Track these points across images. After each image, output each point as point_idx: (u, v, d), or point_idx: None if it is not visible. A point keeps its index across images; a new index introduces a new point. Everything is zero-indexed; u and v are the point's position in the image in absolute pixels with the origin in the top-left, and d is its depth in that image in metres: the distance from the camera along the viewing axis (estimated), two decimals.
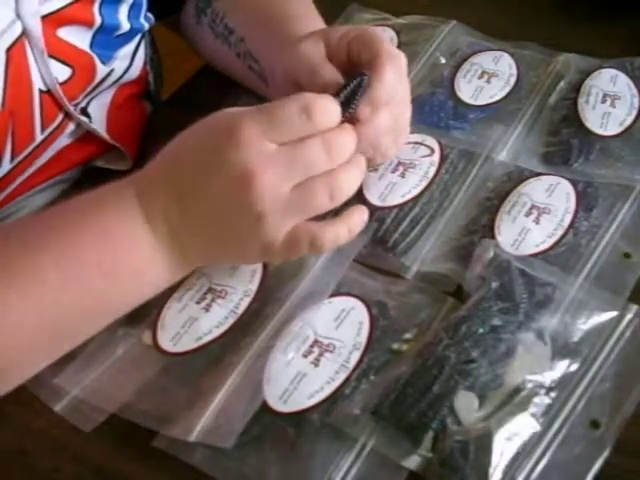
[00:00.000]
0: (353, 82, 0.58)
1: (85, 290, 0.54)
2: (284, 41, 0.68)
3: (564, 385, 0.53)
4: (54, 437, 0.57)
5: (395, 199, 0.66)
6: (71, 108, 0.69)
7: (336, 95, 0.57)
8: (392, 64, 0.61)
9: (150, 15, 0.76)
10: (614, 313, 0.56)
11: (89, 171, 0.78)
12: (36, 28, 0.62)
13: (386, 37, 0.63)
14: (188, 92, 0.85)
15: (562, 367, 0.54)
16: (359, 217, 0.57)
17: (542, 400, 0.52)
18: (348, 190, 0.55)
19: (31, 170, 0.71)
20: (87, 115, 0.72)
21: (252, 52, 0.73)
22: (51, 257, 0.53)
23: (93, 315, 0.56)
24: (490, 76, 0.77)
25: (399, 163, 0.68)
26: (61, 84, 0.67)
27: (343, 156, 0.54)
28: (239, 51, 0.75)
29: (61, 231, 0.55)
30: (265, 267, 0.62)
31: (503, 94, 0.75)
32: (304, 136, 0.53)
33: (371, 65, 0.60)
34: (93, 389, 0.58)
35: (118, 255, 0.55)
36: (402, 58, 0.62)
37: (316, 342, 0.57)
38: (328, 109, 0.54)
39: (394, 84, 0.61)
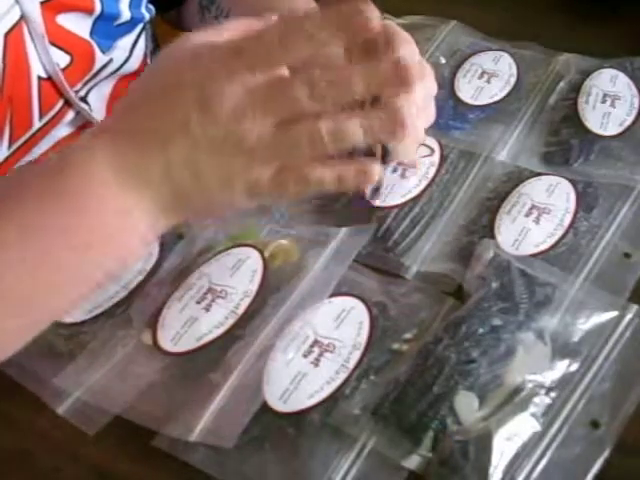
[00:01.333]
0: None
1: (52, 259, 0.49)
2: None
3: (564, 385, 0.53)
4: (55, 437, 0.57)
5: (395, 199, 0.66)
6: (72, 94, 0.68)
7: None
8: (404, 41, 0.57)
9: (151, 6, 0.76)
10: (614, 313, 0.56)
11: None
12: (35, 13, 0.62)
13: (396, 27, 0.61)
14: None
15: (562, 367, 0.54)
16: (355, 171, 0.50)
17: (542, 400, 0.52)
18: (336, 140, 0.48)
19: (29, 159, 0.70)
20: (87, 104, 0.72)
21: None
22: (13, 224, 0.48)
23: (65, 287, 0.51)
24: (490, 76, 0.77)
25: (399, 163, 0.68)
26: (61, 70, 0.67)
27: (330, 98, 0.47)
28: None
29: (23, 197, 0.49)
30: (265, 267, 0.62)
31: (503, 94, 0.75)
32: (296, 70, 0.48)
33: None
34: (95, 391, 0.58)
35: (86, 220, 0.49)
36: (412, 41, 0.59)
37: (316, 342, 0.57)
38: (303, 36, 0.46)
39: (411, 55, 0.57)
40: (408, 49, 0.57)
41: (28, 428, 0.58)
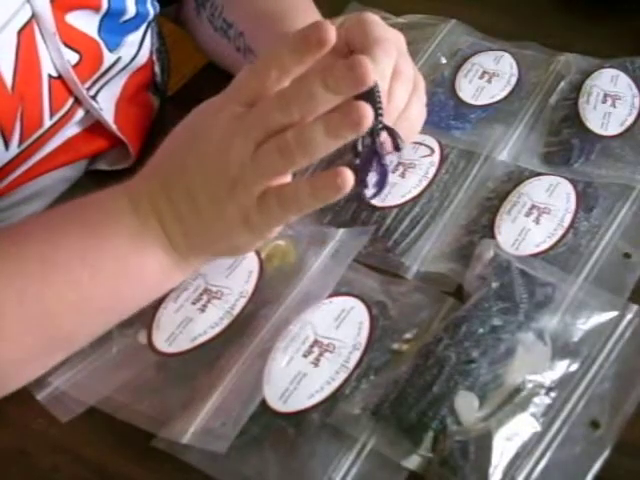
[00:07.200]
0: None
1: (68, 284, 0.54)
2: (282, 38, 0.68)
3: (564, 385, 0.53)
4: (54, 437, 0.57)
5: (395, 199, 0.66)
6: (83, 91, 0.69)
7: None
8: (382, 48, 0.61)
9: (156, 3, 0.76)
10: (614, 313, 0.56)
11: (92, 173, 0.78)
12: (46, 11, 0.63)
13: (379, 21, 0.64)
14: (192, 90, 0.85)
15: (562, 367, 0.54)
16: (324, 181, 0.50)
17: (542, 400, 0.52)
18: (303, 145, 0.49)
19: (38, 156, 0.71)
20: (97, 103, 0.72)
21: (252, 47, 0.73)
22: (35, 248, 0.54)
23: (79, 312, 0.55)
24: (491, 76, 0.77)
25: (399, 163, 0.68)
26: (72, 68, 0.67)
27: (302, 111, 0.49)
28: (239, 45, 0.75)
29: (49, 226, 0.56)
30: (262, 268, 0.62)
31: (504, 94, 0.75)
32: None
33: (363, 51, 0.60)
34: (77, 381, 0.57)
35: (102, 250, 0.55)
36: (399, 39, 0.63)
37: (316, 342, 0.57)
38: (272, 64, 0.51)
39: (384, 66, 0.61)
40: (386, 53, 0.61)
41: (27, 428, 0.58)
